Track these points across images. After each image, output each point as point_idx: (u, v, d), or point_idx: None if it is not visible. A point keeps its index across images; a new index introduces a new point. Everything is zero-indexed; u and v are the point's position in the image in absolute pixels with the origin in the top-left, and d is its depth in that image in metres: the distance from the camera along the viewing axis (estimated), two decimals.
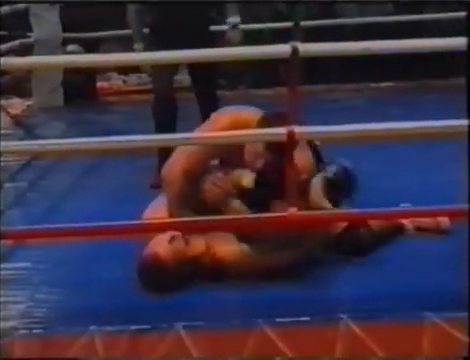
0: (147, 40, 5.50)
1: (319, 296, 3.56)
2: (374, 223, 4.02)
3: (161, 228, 3.80)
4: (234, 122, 3.86)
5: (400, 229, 4.18)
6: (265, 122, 3.79)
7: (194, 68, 5.41)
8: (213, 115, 4.09)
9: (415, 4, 8.22)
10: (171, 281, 3.64)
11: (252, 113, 3.96)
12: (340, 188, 4.29)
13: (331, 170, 4.43)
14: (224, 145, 3.88)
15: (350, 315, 3.29)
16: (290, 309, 3.38)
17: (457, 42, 3.43)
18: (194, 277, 3.70)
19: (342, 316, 3.28)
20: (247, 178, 3.88)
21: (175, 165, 3.97)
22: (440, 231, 4.18)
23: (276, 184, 3.71)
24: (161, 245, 3.70)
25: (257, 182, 3.86)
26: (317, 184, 4.06)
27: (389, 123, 3.66)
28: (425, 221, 4.21)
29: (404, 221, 4.17)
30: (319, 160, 4.13)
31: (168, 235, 3.71)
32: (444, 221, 4.17)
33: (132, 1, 5.38)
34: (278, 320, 3.29)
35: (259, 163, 3.81)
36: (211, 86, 5.60)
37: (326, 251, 3.90)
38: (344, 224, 3.96)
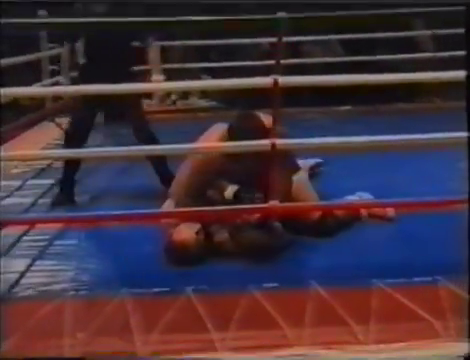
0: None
1: (295, 267, 3.55)
2: (339, 212, 3.99)
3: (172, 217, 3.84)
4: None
5: (358, 217, 4.12)
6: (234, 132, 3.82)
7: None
8: (208, 130, 4.04)
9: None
10: (191, 260, 3.63)
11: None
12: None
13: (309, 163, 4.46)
14: (221, 162, 3.82)
15: (318, 282, 3.27)
16: (274, 277, 3.36)
17: (457, 74, 3.39)
18: (213, 257, 3.69)
19: (312, 282, 3.27)
20: (228, 191, 3.84)
21: (178, 182, 3.99)
22: (387, 219, 4.12)
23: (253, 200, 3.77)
24: (188, 234, 3.70)
25: (236, 195, 3.82)
26: (302, 179, 4.06)
27: (348, 137, 3.64)
28: (376, 210, 4.15)
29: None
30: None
31: (195, 227, 3.73)
32: (390, 211, 4.11)
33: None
34: (264, 285, 3.28)
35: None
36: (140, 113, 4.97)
37: (303, 234, 3.87)
38: (318, 213, 3.93)
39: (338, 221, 3.99)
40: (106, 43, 4.59)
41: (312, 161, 4.81)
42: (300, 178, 4.05)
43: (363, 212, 4.14)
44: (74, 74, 5.58)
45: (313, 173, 4.73)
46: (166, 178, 4.70)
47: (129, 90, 4.26)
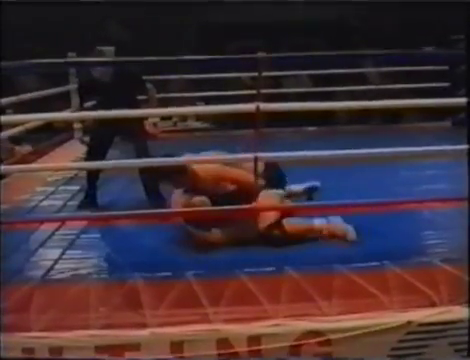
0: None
1: (273, 256, 3.49)
2: (289, 228, 3.73)
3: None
4: None
5: (314, 234, 3.76)
6: None
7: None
8: None
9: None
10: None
11: None
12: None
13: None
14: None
15: (292, 268, 3.24)
16: (257, 264, 3.33)
17: (463, 100, 3.37)
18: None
19: (287, 268, 3.24)
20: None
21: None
22: (347, 240, 3.70)
23: None
24: None
25: None
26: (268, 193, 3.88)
27: (314, 151, 3.63)
28: (337, 232, 3.75)
29: (320, 228, 3.79)
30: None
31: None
32: (351, 233, 3.72)
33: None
34: (248, 271, 3.24)
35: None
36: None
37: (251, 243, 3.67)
38: (267, 223, 3.72)
39: (285, 234, 3.69)
40: (124, 76, 4.57)
41: (305, 185, 4.41)
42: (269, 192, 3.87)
43: (324, 232, 3.77)
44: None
45: (307, 196, 4.36)
46: (152, 192, 4.62)
47: (137, 115, 4.26)
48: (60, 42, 8.09)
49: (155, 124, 4.95)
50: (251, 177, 3.54)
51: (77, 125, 6.98)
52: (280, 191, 3.96)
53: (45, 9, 9.02)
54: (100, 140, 4.68)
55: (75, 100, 6.19)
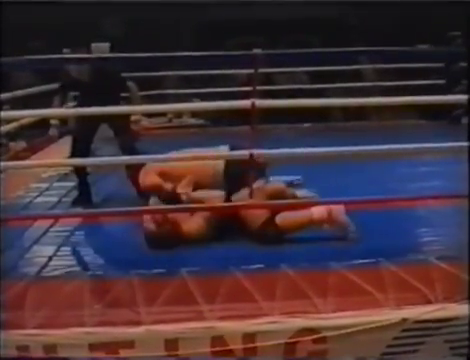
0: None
1: (269, 253, 3.49)
2: (283, 223, 3.67)
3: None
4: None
5: (310, 223, 3.69)
6: None
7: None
8: None
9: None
10: (162, 244, 3.59)
11: None
12: None
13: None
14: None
15: (288, 265, 3.22)
16: (250, 262, 3.31)
17: (460, 97, 3.37)
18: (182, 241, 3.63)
19: (283, 266, 3.22)
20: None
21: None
22: (347, 230, 3.66)
23: None
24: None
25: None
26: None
27: (310, 148, 3.61)
28: (338, 216, 3.67)
29: (319, 218, 3.69)
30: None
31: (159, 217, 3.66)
32: (351, 224, 3.66)
33: None
34: (243, 268, 3.23)
35: None
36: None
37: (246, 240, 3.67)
38: (260, 221, 3.67)
39: (278, 231, 3.64)
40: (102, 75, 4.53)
41: (288, 178, 4.40)
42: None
43: (325, 220, 3.68)
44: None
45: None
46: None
47: (133, 112, 4.24)
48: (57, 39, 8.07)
49: (137, 121, 4.95)
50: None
51: (54, 121, 6.89)
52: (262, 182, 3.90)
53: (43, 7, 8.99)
54: (84, 137, 4.64)
55: (57, 99, 6.14)
